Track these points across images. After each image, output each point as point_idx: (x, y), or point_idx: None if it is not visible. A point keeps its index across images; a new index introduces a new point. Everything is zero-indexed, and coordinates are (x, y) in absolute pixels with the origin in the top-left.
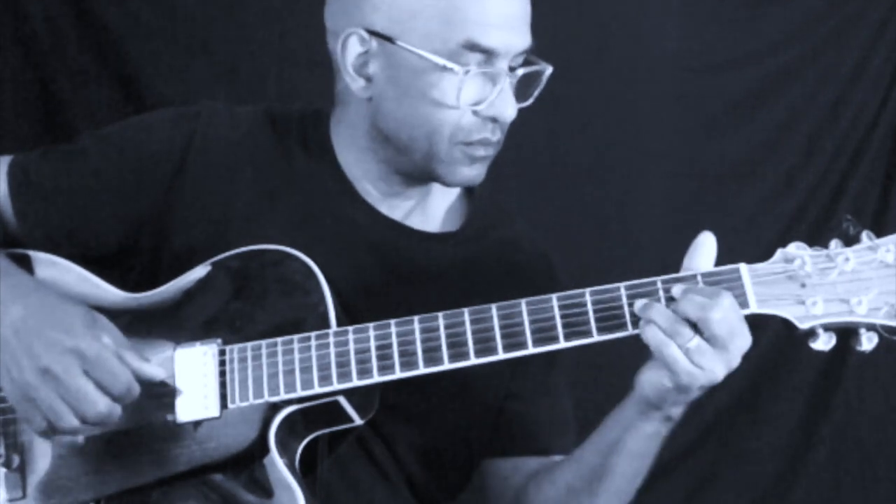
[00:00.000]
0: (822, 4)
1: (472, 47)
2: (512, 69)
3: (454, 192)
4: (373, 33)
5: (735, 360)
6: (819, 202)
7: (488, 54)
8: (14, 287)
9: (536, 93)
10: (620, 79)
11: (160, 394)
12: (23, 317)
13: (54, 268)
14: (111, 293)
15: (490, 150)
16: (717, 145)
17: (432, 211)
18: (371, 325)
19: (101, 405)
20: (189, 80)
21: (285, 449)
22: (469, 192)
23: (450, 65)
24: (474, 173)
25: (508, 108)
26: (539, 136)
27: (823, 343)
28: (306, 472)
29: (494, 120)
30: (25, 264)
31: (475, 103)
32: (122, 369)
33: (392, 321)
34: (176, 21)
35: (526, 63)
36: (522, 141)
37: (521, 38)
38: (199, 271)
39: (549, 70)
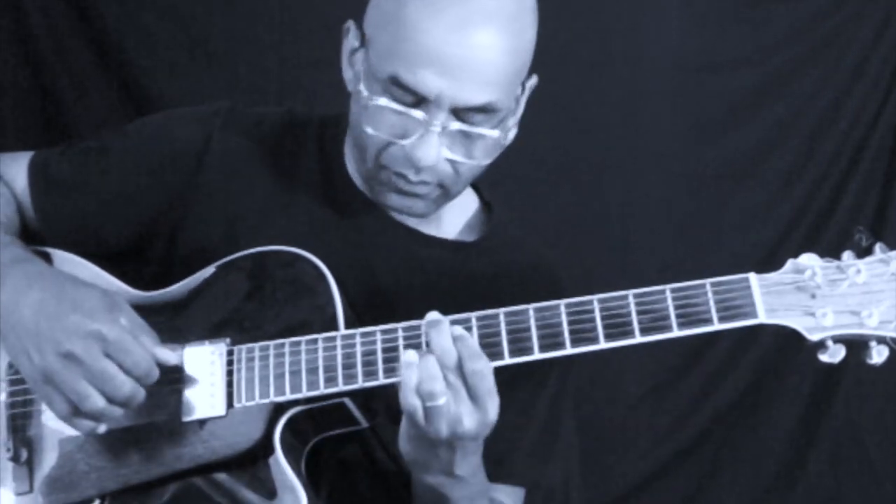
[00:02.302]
0: (822, 4)
1: (397, 83)
2: (462, 119)
3: (472, 204)
4: (361, 32)
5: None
6: (819, 202)
7: (417, 96)
8: (31, 273)
9: (490, 157)
10: (620, 79)
11: (168, 392)
12: (41, 301)
13: (71, 265)
14: (124, 291)
15: (418, 188)
16: (716, 145)
17: (448, 219)
18: (378, 328)
19: (127, 386)
20: (189, 80)
21: (290, 450)
22: (489, 208)
23: (363, 88)
24: (403, 204)
25: (425, 154)
26: (539, 136)
27: (833, 355)
28: (311, 475)
29: (413, 162)
30: (45, 260)
31: (398, 136)
32: (142, 351)
33: (399, 325)
34: (176, 21)
35: (510, 123)
36: (521, 141)
37: (461, 91)
38: (211, 271)
39: (505, 138)
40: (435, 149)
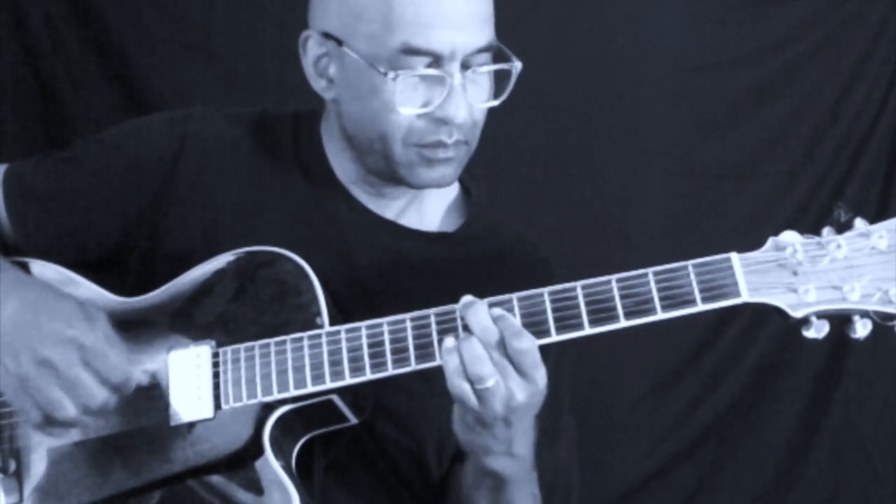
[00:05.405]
0: (822, 4)
1: (410, 51)
2: (468, 68)
3: (452, 192)
4: (326, 35)
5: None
6: (819, 202)
7: (433, 56)
8: (7, 282)
9: (508, 90)
10: (620, 79)
11: (155, 396)
12: (18, 309)
13: (50, 275)
14: (107, 299)
15: (450, 151)
16: (717, 145)
17: (428, 210)
18: (363, 323)
19: (100, 395)
20: (189, 80)
21: (280, 449)
22: (467, 193)
23: (381, 69)
24: (437, 175)
25: (457, 110)
26: (538, 135)
27: (817, 331)
28: (303, 473)
29: (446, 122)
30: (22, 270)
31: (423, 105)
32: (118, 359)
33: (384, 319)
34: (176, 21)
35: (496, 59)
36: (522, 141)
37: (469, 37)
38: (192, 274)
39: (516, 66)
40: (464, 101)
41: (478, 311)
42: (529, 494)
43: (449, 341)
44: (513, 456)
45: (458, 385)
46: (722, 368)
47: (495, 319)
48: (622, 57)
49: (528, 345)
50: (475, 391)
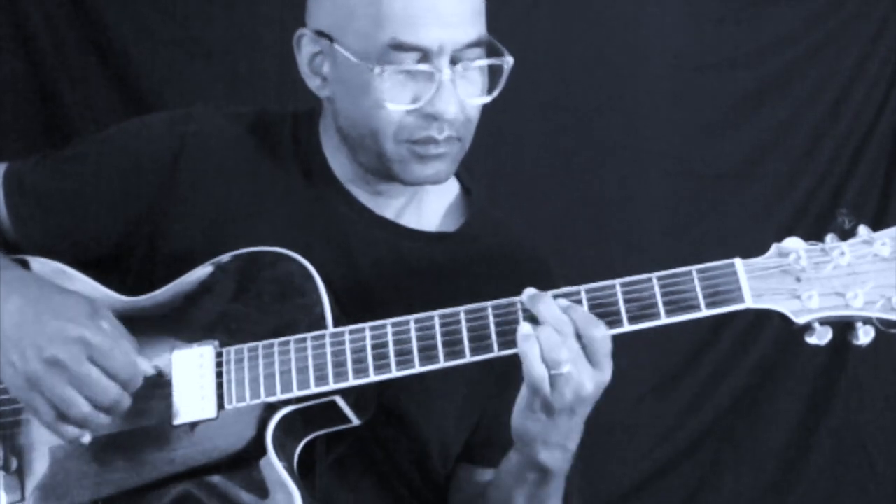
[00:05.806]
0: (822, 4)
1: (399, 46)
2: (459, 63)
3: (452, 192)
4: (320, 33)
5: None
6: (819, 202)
7: (421, 52)
8: (10, 279)
9: (501, 86)
10: (620, 79)
11: (157, 395)
12: (21, 307)
13: (51, 273)
14: (109, 297)
15: (442, 147)
16: (717, 145)
17: (427, 209)
18: (367, 325)
19: (113, 391)
20: (189, 80)
21: (283, 450)
22: (468, 193)
23: (368, 65)
24: (430, 171)
25: (447, 106)
26: (539, 135)
27: (819, 337)
28: (305, 474)
29: (436, 118)
30: (23, 268)
31: (412, 101)
32: (125, 356)
33: (388, 321)
34: (176, 21)
35: (489, 54)
36: (522, 140)
37: (458, 32)
38: (195, 274)
39: (508, 62)
40: (454, 97)
41: (547, 301)
42: (562, 494)
43: (526, 327)
44: (566, 450)
45: (538, 371)
46: (722, 368)
47: (564, 310)
48: (622, 57)
49: (605, 332)
50: (550, 377)
